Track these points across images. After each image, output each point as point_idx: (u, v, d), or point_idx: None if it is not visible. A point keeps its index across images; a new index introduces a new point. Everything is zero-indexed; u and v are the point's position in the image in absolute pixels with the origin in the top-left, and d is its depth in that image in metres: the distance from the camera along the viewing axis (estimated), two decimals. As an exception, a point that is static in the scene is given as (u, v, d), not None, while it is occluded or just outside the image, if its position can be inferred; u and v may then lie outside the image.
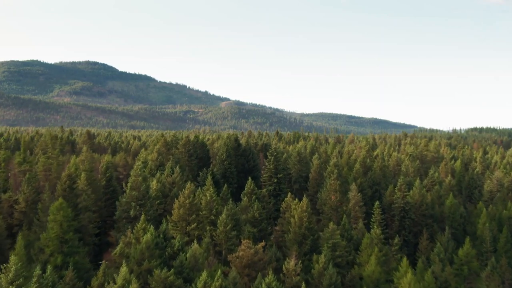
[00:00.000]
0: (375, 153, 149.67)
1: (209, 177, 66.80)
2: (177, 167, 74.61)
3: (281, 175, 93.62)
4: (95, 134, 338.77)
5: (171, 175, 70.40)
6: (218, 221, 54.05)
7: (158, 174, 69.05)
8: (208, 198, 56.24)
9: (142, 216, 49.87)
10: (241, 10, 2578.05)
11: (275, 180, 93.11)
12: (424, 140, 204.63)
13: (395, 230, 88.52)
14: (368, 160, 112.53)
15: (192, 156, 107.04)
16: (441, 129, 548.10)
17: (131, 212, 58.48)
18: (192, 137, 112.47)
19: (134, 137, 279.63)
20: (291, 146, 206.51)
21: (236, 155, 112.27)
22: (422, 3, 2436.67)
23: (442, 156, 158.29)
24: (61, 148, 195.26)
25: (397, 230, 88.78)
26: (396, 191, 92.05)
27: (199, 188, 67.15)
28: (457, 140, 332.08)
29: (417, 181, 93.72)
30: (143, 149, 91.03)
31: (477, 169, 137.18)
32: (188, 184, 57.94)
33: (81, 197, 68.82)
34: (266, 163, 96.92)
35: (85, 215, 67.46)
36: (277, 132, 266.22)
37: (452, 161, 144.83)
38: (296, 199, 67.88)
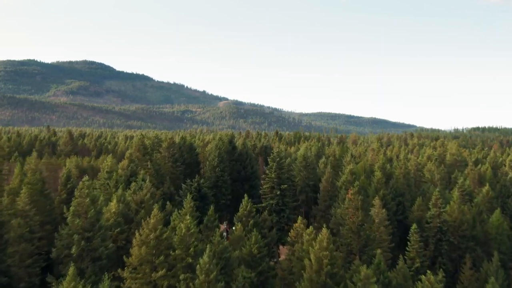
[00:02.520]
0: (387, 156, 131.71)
1: (189, 197, 48.28)
2: (147, 180, 56.02)
3: (285, 186, 75.19)
4: (86, 134, 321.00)
5: (139, 191, 52.06)
6: (198, 266, 36.01)
7: (120, 190, 50.71)
8: (184, 230, 38.13)
9: (71, 269, 31.53)
10: (240, 10, 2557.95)
11: (278, 192, 74.67)
12: (439, 140, 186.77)
13: (429, 257, 70.16)
14: (388, 166, 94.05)
15: (177, 161, 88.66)
16: (441, 128, 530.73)
17: (73, 250, 40.29)
18: (178, 138, 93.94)
19: (126, 137, 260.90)
20: (292, 147, 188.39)
21: (230, 160, 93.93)
22: (422, 3, 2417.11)
23: (464, 160, 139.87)
24: (40, 151, 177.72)
25: (432, 256, 70.48)
26: (430, 206, 73.60)
27: (176, 210, 49.01)
28: (465, 140, 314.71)
29: (455, 193, 75.35)
30: (110, 155, 73.06)
31: (510, 175, 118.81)
32: (155, 210, 39.67)
33: (16, 221, 50.40)
34: (267, 171, 78.58)
35: (20, 247, 49.10)
36: (277, 132, 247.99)
37: (480, 166, 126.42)
38: (310, 227, 49.33)
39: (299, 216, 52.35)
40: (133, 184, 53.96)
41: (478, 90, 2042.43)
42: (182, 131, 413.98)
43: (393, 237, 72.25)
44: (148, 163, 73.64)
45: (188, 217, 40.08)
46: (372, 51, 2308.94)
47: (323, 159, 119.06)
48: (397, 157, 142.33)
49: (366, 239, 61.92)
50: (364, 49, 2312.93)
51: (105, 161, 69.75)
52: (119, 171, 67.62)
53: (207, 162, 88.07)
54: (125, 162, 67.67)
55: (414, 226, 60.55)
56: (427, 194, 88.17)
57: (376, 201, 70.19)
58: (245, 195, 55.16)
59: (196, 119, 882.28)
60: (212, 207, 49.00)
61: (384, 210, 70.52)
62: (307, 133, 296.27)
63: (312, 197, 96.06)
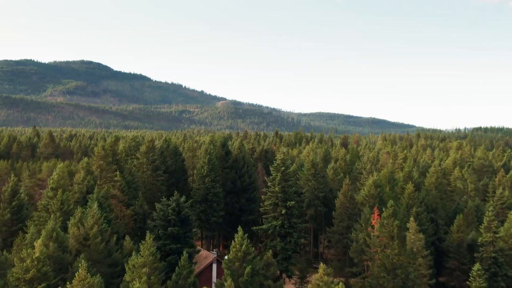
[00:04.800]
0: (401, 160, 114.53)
1: (149, 239, 31.06)
2: (95, 204, 38.95)
3: (293, 202, 58.62)
4: (76, 134, 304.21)
5: (81, 223, 35.14)
6: None
7: (51, 222, 33.66)
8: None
9: None
10: (239, 10, 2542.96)
11: (283, 211, 58.15)
12: (456, 142, 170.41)
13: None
14: (415, 174, 77.30)
15: (158, 169, 72.01)
16: (441, 128, 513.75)
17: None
18: (160, 141, 77.35)
19: (118, 138, 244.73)
20: (294, 149, 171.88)
21: (223, 167, 77.30)
22: (422, 3, 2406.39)
23: (491, 164, 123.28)
24: (17, 153, 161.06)
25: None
26: (482, 230, 57.05)
27: (135, 252, 32.50)
28: (473, 141, 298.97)
29: (512, 213, 58.68)
30: (59, 165, 56.24)
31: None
32: (80, 271, 23.35)
33: None
34: (269, 183, 62.02)
35: None
36: (277, 133, 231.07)
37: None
38: (341, 284, 32.43)
39: (322, 263, 35.51)
40: (78, 210, 37.35)
41: (476, 89, 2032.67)
42: (179, 131, 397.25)
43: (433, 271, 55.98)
44: (117, 173, 57.05)
45: (144, 278, 23.44)
46: (371, 51, 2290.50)
47: (331, 164, 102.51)
48: (415, 161, 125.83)
49: (404, 279, 45.62)
50: (362, 48, 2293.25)
51: (52, 176, 52.58)
52: (75, 186, 51.03)
53: (195, 171, 71.51)
54: (79, 175, 50.87)
55: (477, 266, 43.74)
56: (465, 209, 71.81)
57: (412, 224, 53.78)
58: (239, 229, 38.10)
59: (194, 119, 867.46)
60: (185, 255, 32.23)
61: (421, 235, 54.22)
62: (308, 134, 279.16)
63: (322, 212, 79.58)
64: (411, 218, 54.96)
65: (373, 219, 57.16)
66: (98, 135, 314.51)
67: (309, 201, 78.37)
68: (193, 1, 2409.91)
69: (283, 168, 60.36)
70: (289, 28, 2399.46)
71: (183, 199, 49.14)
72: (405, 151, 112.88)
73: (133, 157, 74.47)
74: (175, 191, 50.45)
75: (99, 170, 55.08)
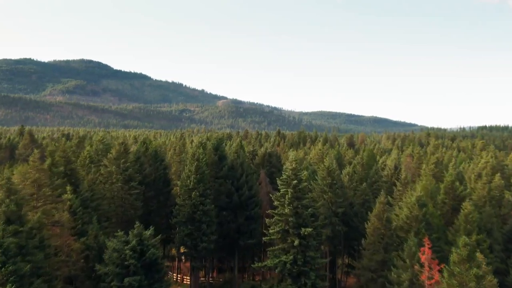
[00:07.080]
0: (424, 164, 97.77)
1: None
2: None
3: (310, 229, 42.14)
4: (70, 134, 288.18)
5: None
6: None
7: None
8: None
9: None
10: (238, 10, 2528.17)
11: (296, 242, 41.78)
12: (480, 142, 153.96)
13: None
14: (459, 186, 60.66)
15: (132, 180, 55.70)
16: (444, 127, 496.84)
17: None
18: (136, 144, 61.04)
19: (112, 138, 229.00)
20: (299, 150, 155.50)
21: (216, 177, 60.82)
22: (422, 3, 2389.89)
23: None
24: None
25: None
26: None
27: None
28: (485, 140, 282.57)
29: None
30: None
31: None
32: None
33: None
34: (276, 202, 45.49)
35: None
36: (279, 132, 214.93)
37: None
38: None
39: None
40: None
41: (476, 89, 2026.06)
42: (178, 131, 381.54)
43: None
44: (67, 188, 40.97)
45: None
46: (371, 51, 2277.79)
47: (346, 170, 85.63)
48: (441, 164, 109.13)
49: None
50: (362, 49, 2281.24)
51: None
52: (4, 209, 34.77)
53: (178, 183, 55.19)
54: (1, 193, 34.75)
55: None
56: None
57: (481, 262, 37.51)
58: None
59: (195, 119, 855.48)
60: None
61: (493, 277, 37.99)
62: (311, 133, 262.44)
63: (341, 232, 63.20)
64: (479, 254, 38.52)
65: (422, 254, 40.98)
66: (94, 135, 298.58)
67: (324, 219, 61.87)
68: (193, 1, 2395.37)
69: (295, 181, 43.73)
70: (289, 28, 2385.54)
71: (149, 231, 32.90)
72: (436, 155, 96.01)
73: (101, 164, 58.29)
74: (137, 223, 34.07)
75: (35, 186, 38.87)
